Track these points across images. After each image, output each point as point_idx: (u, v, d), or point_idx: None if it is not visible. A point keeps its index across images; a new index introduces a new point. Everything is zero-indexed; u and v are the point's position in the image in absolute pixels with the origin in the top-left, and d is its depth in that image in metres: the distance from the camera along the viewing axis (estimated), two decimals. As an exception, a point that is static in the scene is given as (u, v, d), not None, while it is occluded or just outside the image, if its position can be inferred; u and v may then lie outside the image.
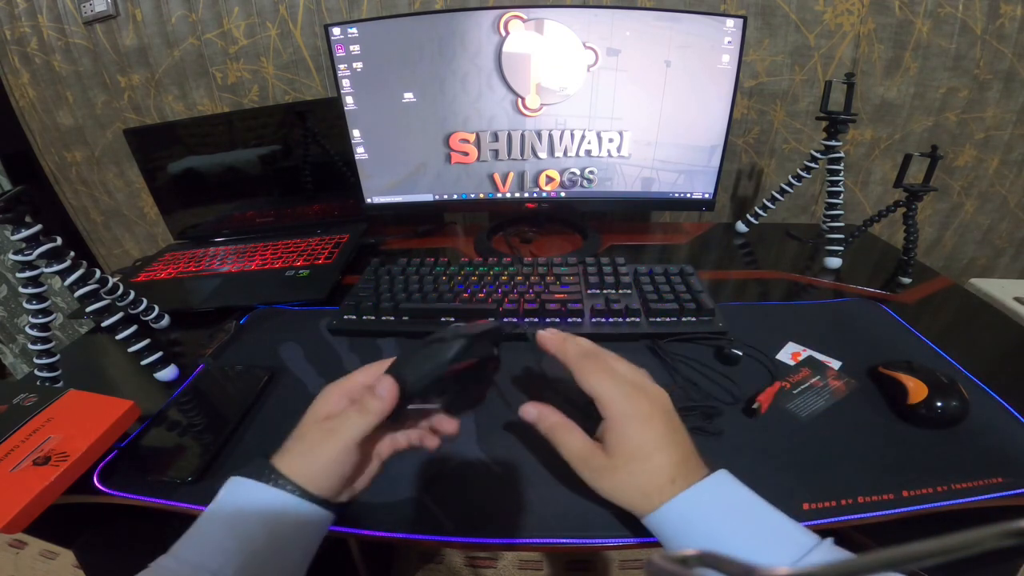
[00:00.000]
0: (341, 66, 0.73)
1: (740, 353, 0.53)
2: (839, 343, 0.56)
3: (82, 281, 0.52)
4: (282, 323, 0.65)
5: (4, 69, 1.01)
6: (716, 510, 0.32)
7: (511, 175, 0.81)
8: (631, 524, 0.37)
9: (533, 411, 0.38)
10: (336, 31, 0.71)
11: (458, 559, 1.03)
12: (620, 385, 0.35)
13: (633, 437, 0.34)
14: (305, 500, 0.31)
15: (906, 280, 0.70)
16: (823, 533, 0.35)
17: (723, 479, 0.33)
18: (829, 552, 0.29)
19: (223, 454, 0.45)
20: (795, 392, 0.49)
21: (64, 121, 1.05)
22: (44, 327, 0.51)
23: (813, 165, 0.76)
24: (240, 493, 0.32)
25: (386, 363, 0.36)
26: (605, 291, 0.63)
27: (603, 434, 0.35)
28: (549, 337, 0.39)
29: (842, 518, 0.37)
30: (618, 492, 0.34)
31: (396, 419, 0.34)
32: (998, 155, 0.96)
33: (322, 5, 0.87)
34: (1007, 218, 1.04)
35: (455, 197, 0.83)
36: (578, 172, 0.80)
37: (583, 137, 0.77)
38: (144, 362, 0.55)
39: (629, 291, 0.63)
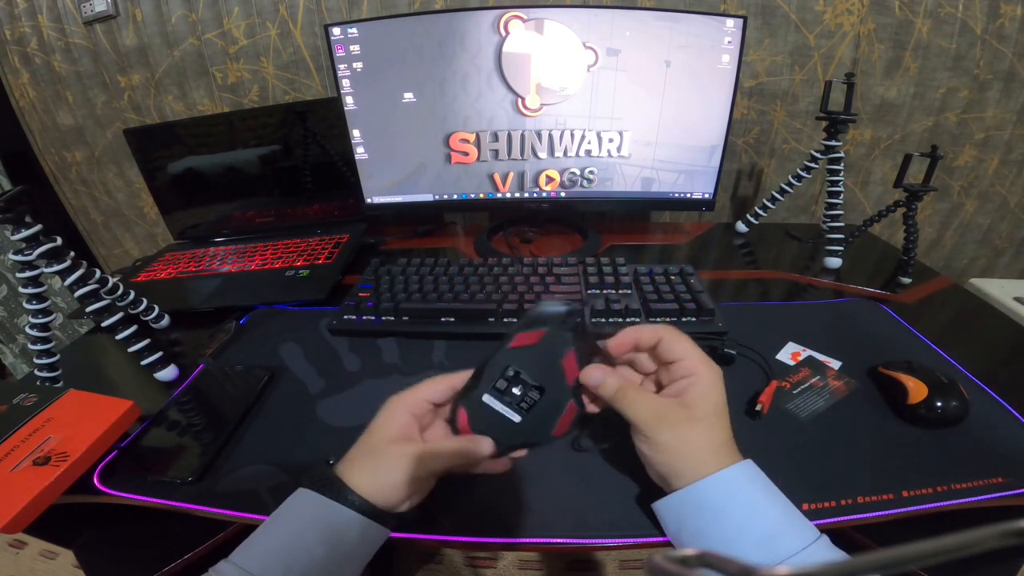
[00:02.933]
0: (341, 66, 0.73)
1: (734, 352, 0.53)
2: (839, 343, 0.56)
3: (82, 281, 0.52)
4: (282, 323, 0.65)
5: (4, 69, 1.01)
6: (758, 484, 0.33)
7: (511, 175, 0.81)
8: (631, 524, 0.37)
9: (598, 374, 0.35)
10: (336, 31, 0.71)
11: (458, 559, 1.03)
12: (701, 351, 0.37)
13: (716, 393, 0.36)
14: (367, 517, 0.33)
15: (906, 280, 0.70)
16: (823, 533, 0.35)
17: (755, 465, 0.35)
18: (828, 548, 0.31)
19: (223, 454, 0.45)
20: (795, 392, 0.49)
21: (64, 121, 1.05)
22: (44, 327, 0.52)
23: (813, 165, 0.76)
24: (305, 505, 0.33)
25: (450, 379, 0.37)
26: (605, 291, 0.63)
27: (683, 390, 0.36)
28: (624, 337, 0.38)
29: (842, 518, 0.37)
30: (688, 447, 0.34)
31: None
32: (998, 155, 0.96)
33: (322, 5, 0.87)
34: (1007, 218, 1.04)
35: (455, 197, 0.83)
36: (578, 172, 0.80)
37: (583, 137, 0.77)
38: (144, 362, 0.55)
39: (629, 291, 0.63)
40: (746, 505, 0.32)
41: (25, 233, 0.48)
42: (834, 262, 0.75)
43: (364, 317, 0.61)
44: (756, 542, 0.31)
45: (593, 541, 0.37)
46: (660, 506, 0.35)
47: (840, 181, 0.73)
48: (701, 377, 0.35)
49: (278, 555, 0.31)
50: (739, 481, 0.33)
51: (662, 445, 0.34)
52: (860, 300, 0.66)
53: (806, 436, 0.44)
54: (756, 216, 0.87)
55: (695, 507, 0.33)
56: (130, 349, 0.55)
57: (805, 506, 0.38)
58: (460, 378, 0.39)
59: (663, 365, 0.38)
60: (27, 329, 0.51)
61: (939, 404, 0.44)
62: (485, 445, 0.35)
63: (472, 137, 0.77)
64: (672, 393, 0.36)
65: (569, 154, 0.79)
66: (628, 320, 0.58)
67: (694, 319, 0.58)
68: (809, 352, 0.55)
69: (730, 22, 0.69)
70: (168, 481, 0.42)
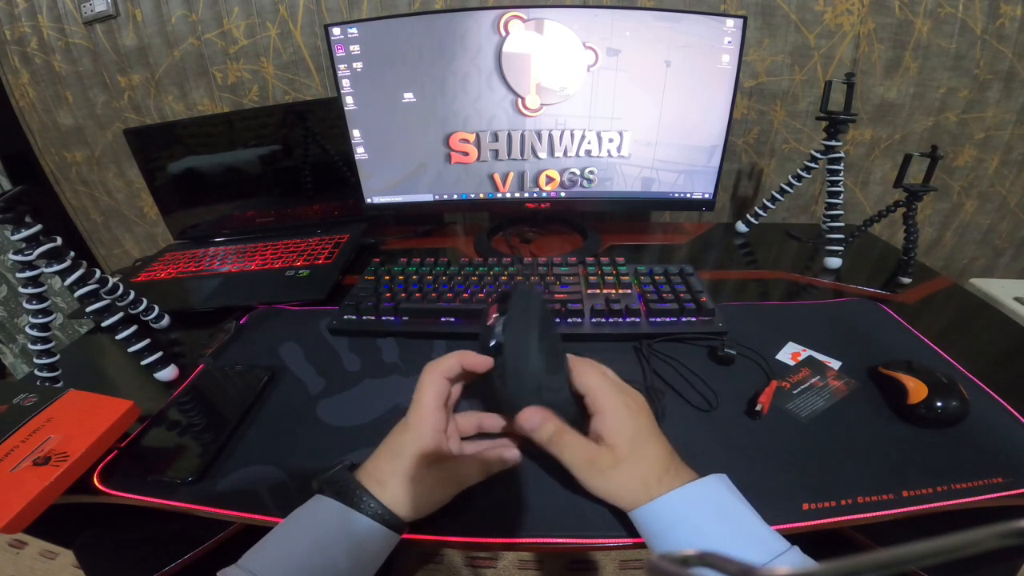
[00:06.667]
0: (341, 66, 0.73)
1: (734, 352, 0.53)
2: (839, 343, 0.56)
3: (82, 281, 0.52)
4: (282, 323, 0.65)
5: (4, 69, 1.01)
6: (705, 508, 0.33)
7: (511, 175, 0.81)
8: (631, 524, 0.37)
9: (536, 417, 0.36)
10: (336, 31, 0.71)
11: (458, 559, 1.02)
12: (609, 381, 0.38)
13: (628, 424, 0.36)
14: (388, 527, 0.33)
15: (906, 280, 0.70)
16: (823, 533, 0.35)
17: (715, 483, 0.34)
18: (798, 558, 0.30)
19: (223, 454, 0.45)
20: (795, 392, 0.49)
21: (64, 121, 1.05)
22: (44, 327, 0.51)
23: (813, 165, 0.76)
24: (328, 515, 0.33)
25: (440, 364, 0.37)
26: (605, 291, 0.63)
27: (597, 429, 0.36)
28: None
29: (842, 518, 0.37)
30: (620, 488, 0.34)
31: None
32: (998, 155, 0.96)
33: (322, 5, 0.88)
34: (1007, 218, 1.04)
35: (455, 197, 0.83)
36: (578, 172, 0.80)
37: (583, 137, 0.77)
38: (144, 362, 0.55)
39: (629, 291, 0.63)
40: (691, 530, 0.32)
41: (25, 233, 0.48)
42: (834, 262, 0.75)
43: (364, 317, 0.61)
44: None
45: (593, 541, 0.37)
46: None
47: (840, 181, 0.73)
48: (606, 412, 0.36)
49: (301, 565, 0.31)
50: (681, 507, 0.32)
51: (598, 490, 0.35)
52: (860, 300, 0.66)
53: (806, 436, 0.44)
54: (756, 216, 0.87)
55: (644, 531, 0.33)
56: (130, 349, 0.54)
57: (805, 506, 0.38)
58: (447, 364, 0.38)
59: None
60: (27, 329, 0.51)
61: (939, 404, 0.44)
62: (511, 455, 0.36)
63: (472, 137, 0.77)
64: (593, 436, 0.37)
65: (569, 154, 0.79)
66: (628, 320, 0.58)
67: (694, 319, 0.58)
68: (809, 352, 0.55)
69: (730, 22, 0.69)
70: (168, 481, 0.42)
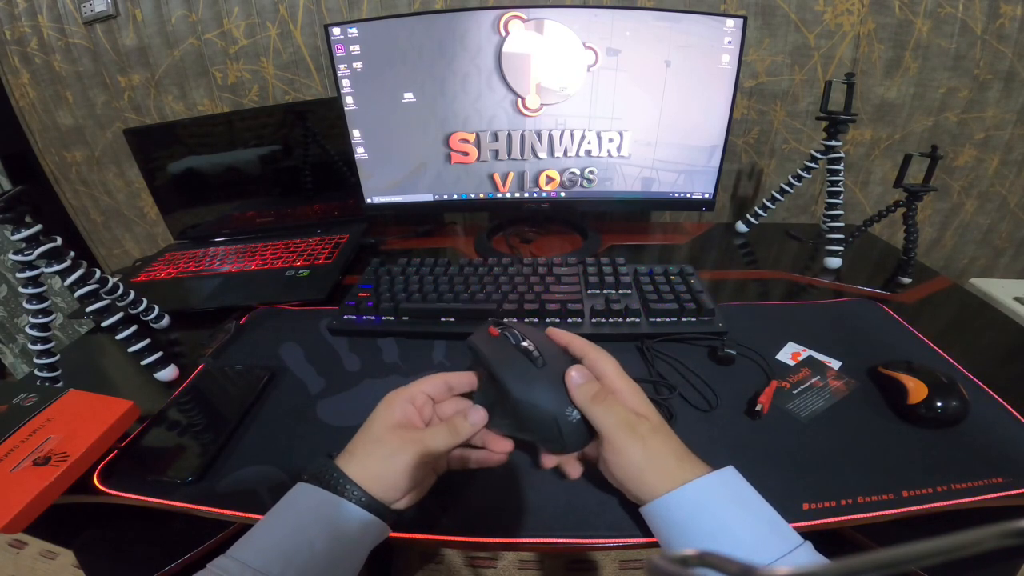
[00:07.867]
0: (341, 66, 0.73)
1: (734, 352, 0.53)
2: (839, 343, 0.56)
3: (82, 281, 0.52)
4: (282, 323, 0.65)
5: (4, 69, 1.01)
6: (727, 498, 0.33)
7: (511, 175, 0.81)
8: (631, 524, 0.37)
9: (579, 376, 0.36)
10: (336, 31, 0.71)
11: (458, 559, 1.03)
12: (620, 367, 0.38)
13: (649, 402, 0.36)
14: (368, 511, 0.33)
15: (906, 280, 0.70)
16: (823, 533, 0.35)
17: (732, 473, 0.34)
18: (811, 552, 0.30)
19: (223, 454, 0.45)
20: (795, 392, 0.49)
21: (64, 121, 1.05)
22: (44, 327, 0.52)
23: (813, 165, 0.76)
24: (306, 498, 0.33)
25: (446, 376, 0.39)
26: (605, 291, 0.63)
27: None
28: (559, 331, 0.41)
29: (842, 518, 0.37)
30: (657, 459, 0.33)
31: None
32: (998, 155, 0.96)
33: (322, 5, 0.88)
34: (1007, 218, 1.04)
35: (455, 197, 0.83)
36: (578, 172, 0.80)
37: (583, 137, 0.77)
38: (144, 362, 0.55)
39: (629, 291, 0.63)
40: (712, 522, 0.31)
41: (25, 233, 0.48)
42: (834, 262, 0.75)
43: (364, 317, 0.61)
44: None
45: (593, 541, 0.37)
46: (641, 511, 0.35)
47: (840, 181, 0.73)
48: (626, 392, 0.36)
49: (279, 548, 0.31)
50: (704, 497, 0.32)
51: (635, 460, 0.34)
52: (860, 300, 0.66)
53: (806, 436, 0.44)
54: (756, 216, 0.87)
55: (662, 521, 0.33)
56: (130, 349, 0.55)
57: (805, 506, 0.38)
58: (457, 377, 0.39)
59: None
60: (27, 329, 0.51)
61: (939, 404, 0.44)
62: (477, 415, 0.36)
63: (472, 137, 0.77)
64: None
65: (569, 154, 0.79)
66: (628, 320, 0.58)
67: (694, 319, 0.58)
68: (809, 352, 0.55)
69: (730, 22, 0.69)
70: (168, 481, 0.42)
